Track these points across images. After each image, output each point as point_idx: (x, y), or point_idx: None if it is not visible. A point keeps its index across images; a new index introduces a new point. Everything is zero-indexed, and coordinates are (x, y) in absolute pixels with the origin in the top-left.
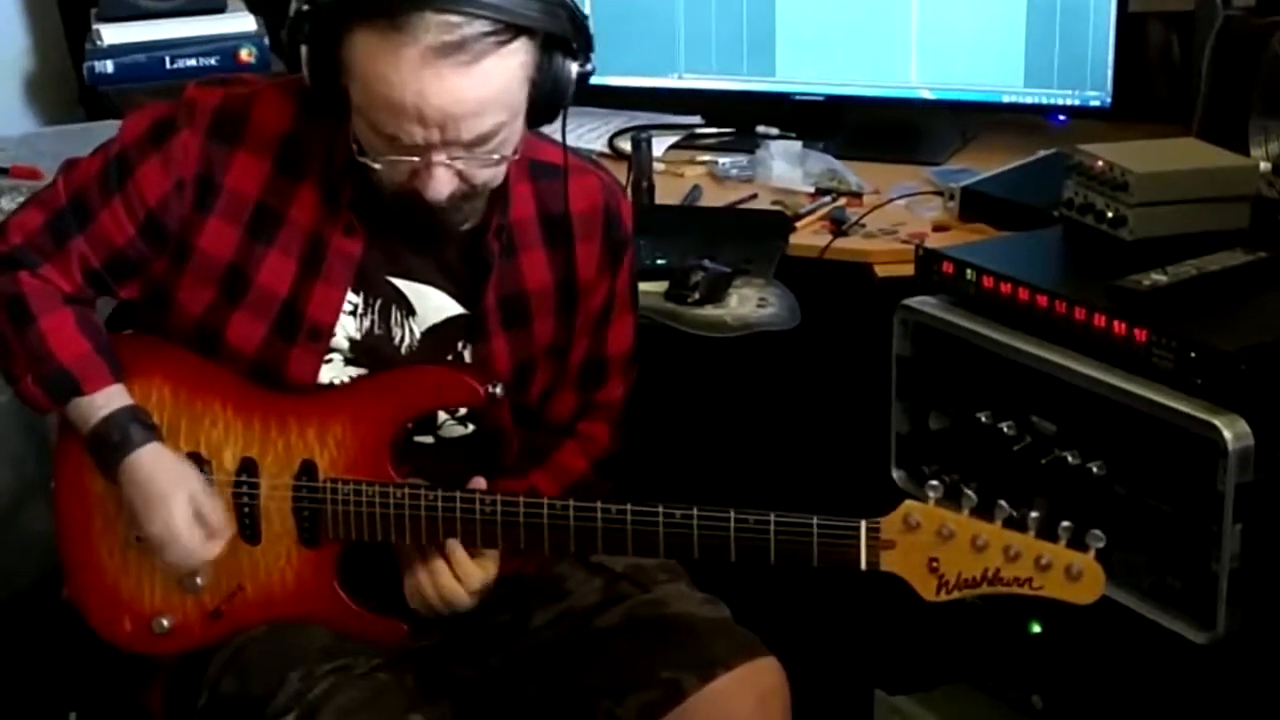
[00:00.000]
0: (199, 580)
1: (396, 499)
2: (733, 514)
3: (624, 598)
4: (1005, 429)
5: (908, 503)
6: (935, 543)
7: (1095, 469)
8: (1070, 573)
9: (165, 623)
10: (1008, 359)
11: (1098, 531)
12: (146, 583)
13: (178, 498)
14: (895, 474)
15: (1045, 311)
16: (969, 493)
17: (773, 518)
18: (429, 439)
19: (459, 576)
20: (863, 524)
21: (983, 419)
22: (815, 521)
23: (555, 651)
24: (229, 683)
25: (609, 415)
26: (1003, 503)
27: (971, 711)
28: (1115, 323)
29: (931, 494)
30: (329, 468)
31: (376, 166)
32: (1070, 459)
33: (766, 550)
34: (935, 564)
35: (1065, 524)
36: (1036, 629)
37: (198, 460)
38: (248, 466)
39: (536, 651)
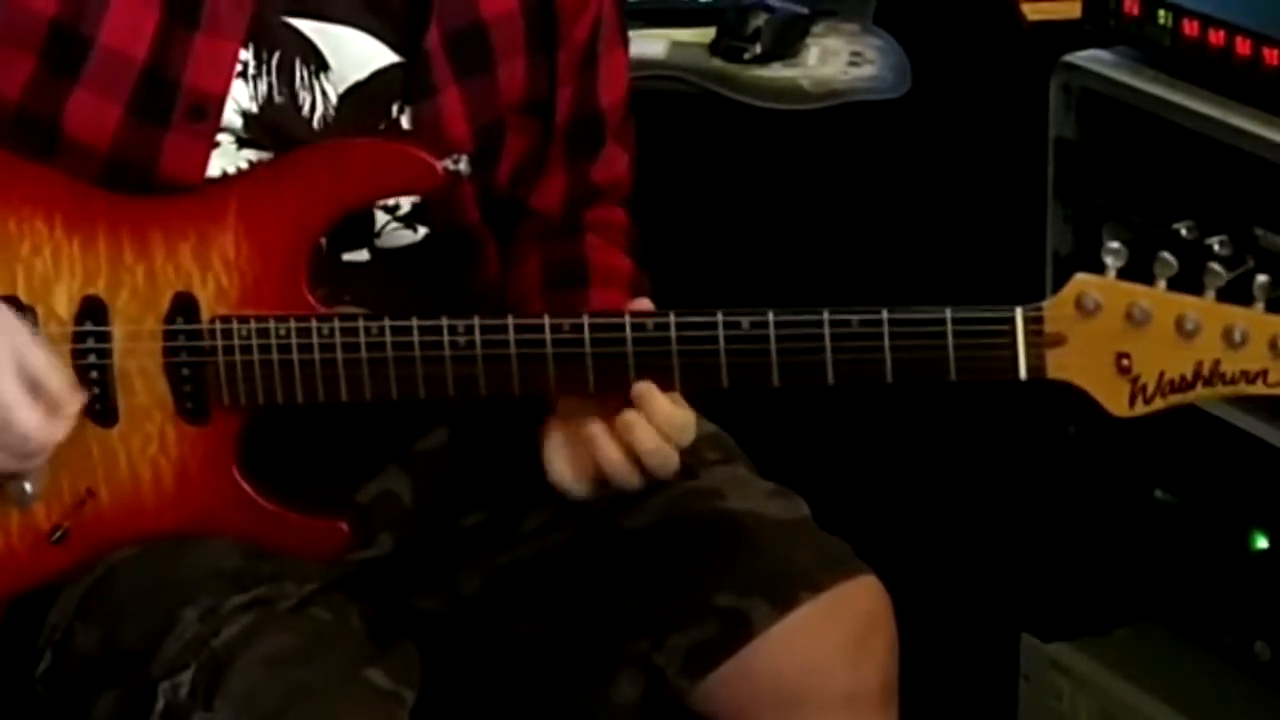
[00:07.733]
0: (27, 487)
1: (324, 338)
2: (827, 314)
3: (659, 486)
4: (1216, 247)
5: (1079, 277)
6: (1124, 330)
7: None
8: None
9: None
10: (1220, 143)
11: None
12: None
13: None
14: None
15: (1278, 73)
16: (1166, 257)
17: (885, 314)
18: (362, 255)
19: (663, 430)
20: (1018, 311)
21: (1182, 232)
22: (949, 314)
23: (559, 569)
24: (86, 634)
25: (617, 195)
26: (1215, 265)
27: (1164, 663)
28: None
29: (1112, 261)
30: (215, 301)
31: None
32: None
33: (880, 365)
34: (1126, 362)
35: None
36: (1262, 544)
37: (13, 307)
38: (92, 310)
39: (530, 569)
